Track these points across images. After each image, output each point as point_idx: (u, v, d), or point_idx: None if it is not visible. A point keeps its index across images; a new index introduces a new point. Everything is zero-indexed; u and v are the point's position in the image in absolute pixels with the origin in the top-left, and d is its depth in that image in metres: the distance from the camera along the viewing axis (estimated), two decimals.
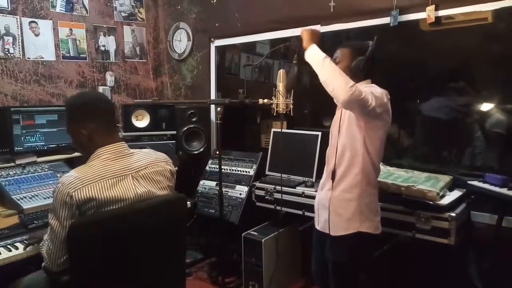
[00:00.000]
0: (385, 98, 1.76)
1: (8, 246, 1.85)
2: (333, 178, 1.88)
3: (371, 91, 1.70)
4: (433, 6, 2.22)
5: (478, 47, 2.25)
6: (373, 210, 1.87)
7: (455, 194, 2.13)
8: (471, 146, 2.31)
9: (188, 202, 1.86)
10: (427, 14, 2.24)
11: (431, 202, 1.99)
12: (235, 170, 3.01)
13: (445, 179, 2.19)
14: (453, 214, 1.94)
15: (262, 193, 2.71)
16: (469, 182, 2.11)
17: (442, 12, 2.24)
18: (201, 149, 3.22)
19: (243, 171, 2.98)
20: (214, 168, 3.09)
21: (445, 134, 2.38)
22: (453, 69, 2.37)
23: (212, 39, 3.43)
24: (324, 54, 1.75)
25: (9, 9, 2.84)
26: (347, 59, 1.86)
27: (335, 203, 1.86)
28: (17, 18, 2.87)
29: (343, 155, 1.85)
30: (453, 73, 2.36)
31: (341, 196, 1.84)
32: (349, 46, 1.91)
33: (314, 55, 1.77)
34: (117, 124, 1.70)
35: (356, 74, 1.81)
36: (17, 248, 1.85)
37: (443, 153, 2.40)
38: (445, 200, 2.02)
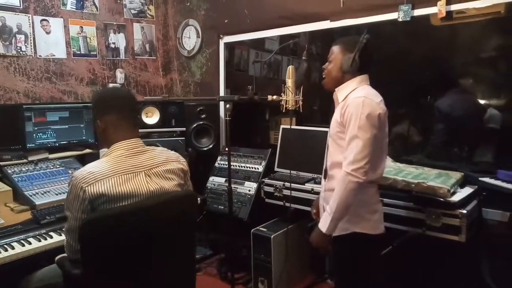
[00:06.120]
0: (379, 119, 1.65)
1: (22, 241, 1.89)
2: (325, 176, 1.85)
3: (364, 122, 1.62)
4: (444, 1, 2.18)
5: (491, 41, 2.21)
6: (370, 209, 1.75)
7: (466, 191, 2.10)
8: (483, 143, 2.28)
9: (197, 198, 1.87)
10: (438, 8, 2.21)
11: (441, 199, 1.97)
12: (244, 167, 3.02)
13: (456, 175, 2.16)
14: (464, 211, 1.92)
15: (271, 189, 2.71)
16: (480, 178, 2.08)
17: (454, 6, 2.20)
18: (210, 146, 3.23)
19: (252, 168, 2.98)
20: (223, 164, 3.10)
21: (456, 130, 2.36)
22: (465, 64, 2.33)
23: (221, 36, 3.43)
24: (328, 220, 1.67)
25: (21, 7, 2.87)
26: (337, 58, 1.80)
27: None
28: (29, 17, 2.91)
29: (332, 153, 1.79)
30: (465, 69, 2.33)
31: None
32: (338, 44, 1.83)
33: (329, 224, 1.68)
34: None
35: (346, 72, 1.77)
36: (30, 243, 1.88)
37: (454, 149, 2.37)
38: (456, 197, 1.99)
